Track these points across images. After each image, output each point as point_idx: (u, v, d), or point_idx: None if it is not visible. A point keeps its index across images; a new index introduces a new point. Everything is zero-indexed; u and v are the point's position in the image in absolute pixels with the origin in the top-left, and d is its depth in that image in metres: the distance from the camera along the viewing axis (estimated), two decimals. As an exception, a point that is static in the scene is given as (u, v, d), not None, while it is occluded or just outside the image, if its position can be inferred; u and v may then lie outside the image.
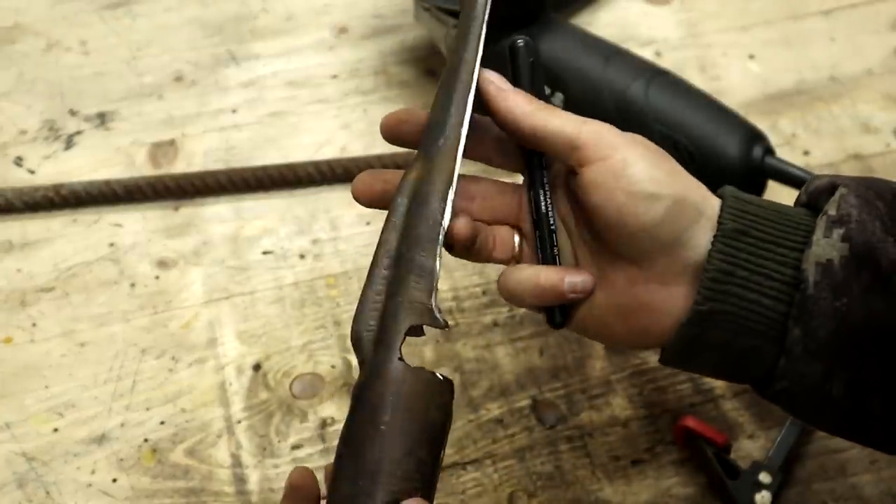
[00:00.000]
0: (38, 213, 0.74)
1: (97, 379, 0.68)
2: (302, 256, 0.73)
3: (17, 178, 0.76)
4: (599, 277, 0.53)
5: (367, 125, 0.80)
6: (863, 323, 0.48)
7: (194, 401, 0.67)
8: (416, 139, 0.54)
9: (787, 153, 0.78)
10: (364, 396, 0.49)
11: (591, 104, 0.73)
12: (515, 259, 0.55)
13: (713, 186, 0.72)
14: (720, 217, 0.51)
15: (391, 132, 0.55)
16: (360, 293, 0.71)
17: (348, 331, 0.70)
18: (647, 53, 0.82)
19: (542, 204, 0.54)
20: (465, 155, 0.53)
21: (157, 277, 0.72)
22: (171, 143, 0.79)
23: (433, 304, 0.50)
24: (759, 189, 0.72)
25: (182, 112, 0.81)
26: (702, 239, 0.50)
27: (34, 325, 0.70)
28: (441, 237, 0.51)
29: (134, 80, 0.82)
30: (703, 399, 0.68)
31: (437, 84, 0.55)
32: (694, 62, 0.84)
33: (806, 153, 0.79)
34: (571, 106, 0.74)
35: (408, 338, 0.70)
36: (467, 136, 0.52)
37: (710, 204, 0.51)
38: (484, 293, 0.72)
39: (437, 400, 0.49)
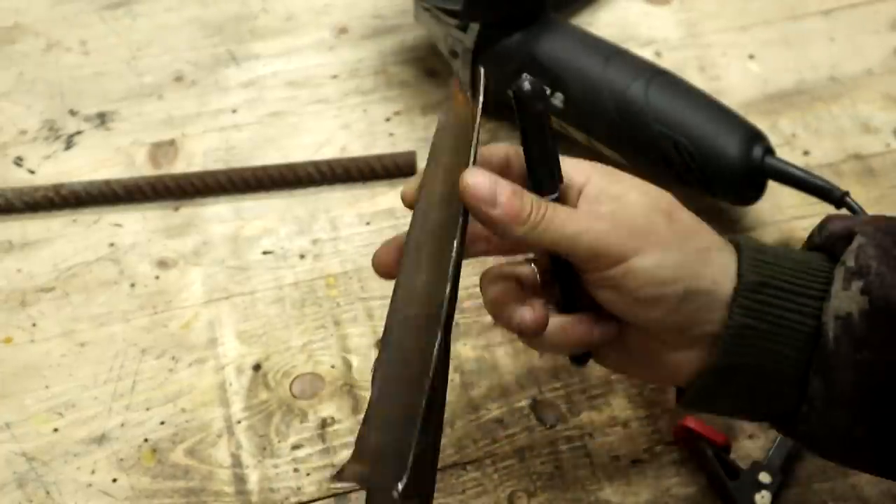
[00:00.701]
0: (38, 213, 0.74)
1: (97, 379, 0.68)
2: (302, 256, 0.73)
3: (17, 178, 0.76)
4: (620, 337, 0.53)
5: (367, 125, 0.80)
6: (884, 374, 0.48)
7: (194, 401, 0.67)
8: None
9: (787, 153, 0.78)
10: None
11: (591, 104, 0.74)
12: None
13: (713, 186, 0.72)
14: (739, 269, 0.51)
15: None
16: (360, 293, 0.71)
17: (348, 331, 0.70)
18: (647, 53, 0.82)
19: (563, 265, 0.53)
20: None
21: (157, 277, 0.72)
22: (171, 143, 0.79)
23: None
24: (759, 189, 0.73)
25: (182, 112, 0.81)
26: (714, 315, 0.50)
27: (34, 325, 0.70)
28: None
29: (134, 80, 0.82)
30: (703, 399, 0.68)
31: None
32: (694, 62, 0.84)
33: (806, 153, 0.79)
34: (571, 106, 0.74)
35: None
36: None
37: (725, 272, 0.51)
38: (484, 293, 0.72)
39: None
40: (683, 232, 0.51)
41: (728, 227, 0.75)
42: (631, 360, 0.55)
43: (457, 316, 0.70)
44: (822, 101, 0.82)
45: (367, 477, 0.46)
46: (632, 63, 0.74)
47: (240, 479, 0.64)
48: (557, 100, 0.74)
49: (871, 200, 0.76)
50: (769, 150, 0.72)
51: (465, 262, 0.73)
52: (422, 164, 0.65)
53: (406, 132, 0.80)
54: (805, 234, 0.74)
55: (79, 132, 0.79)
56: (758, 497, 0.62)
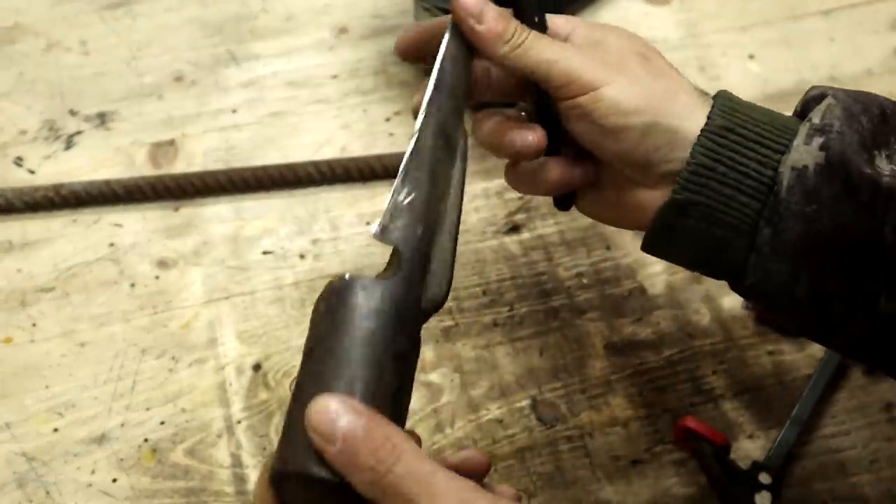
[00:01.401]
0: (38, 213, 0.74)
1: (97, 379, 0.68)
2: (302, 256, 0.73)
3: (17, 178, 0.76)
4: (597, 178, 0.56)
5: (367, 125, 0.80)
6: (829, 230, 0.50)
7: (194, 401, 0.67)
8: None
9: (786, 153, 0.78)
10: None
11: (591, 104, 0.73)
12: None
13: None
14: (710, 113, 0.52)
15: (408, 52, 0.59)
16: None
17: (348, 331, 0.70)
18: (646, 53, 0.82)
19: (546, 105, 0.55)
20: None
21: (157, 277, 0.72)
22: (171, 143, 0.79)
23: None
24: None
25: (182, 112, 0.81)
26: (678, 153, 0.52)
27: (34, 325, 0.70)
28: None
29: (134, 80, 0.82)
30: (703, 399, 0.68)
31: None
32: (694, 62, 0.84)
33: (806, 153, 0.79)
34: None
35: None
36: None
37: (695, 113, 0.53)
38: (484, 293, 0.72)
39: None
40: (656, 72, 0.54)
41: (728, 227, 0.75)
42: (605, 204, 0.57)
43: (457, 316, 0.70)
44: (821, 101, 0.82)
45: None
46: (632, 63, 0.74)
47: (240, 479, 0.64)
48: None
49: (871, 200, 0.76)
50: (769, 150, 0.71)
51: (464, 263, 0.73)
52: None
53: (406, 132, 0.80)
54: (805, 234, 0.74)
55: (79, 132, 0.79)
56: (758, 497, 0.62)
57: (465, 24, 0.53)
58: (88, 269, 0.72)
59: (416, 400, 0.67)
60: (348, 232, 0.75)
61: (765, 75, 0.84)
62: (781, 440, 0.64)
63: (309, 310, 0.71)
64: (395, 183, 0.51)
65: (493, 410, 0.67)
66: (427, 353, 0.69)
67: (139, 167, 0.77)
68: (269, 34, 0.86)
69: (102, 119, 0.80)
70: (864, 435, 0.66)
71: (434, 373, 0.68)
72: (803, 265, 0.50)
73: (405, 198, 0.50)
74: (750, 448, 0.65)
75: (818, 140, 0.50)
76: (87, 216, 0.75)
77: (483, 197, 0.76)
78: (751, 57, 0.85)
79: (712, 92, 0.75)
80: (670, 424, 0.66)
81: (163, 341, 0.69)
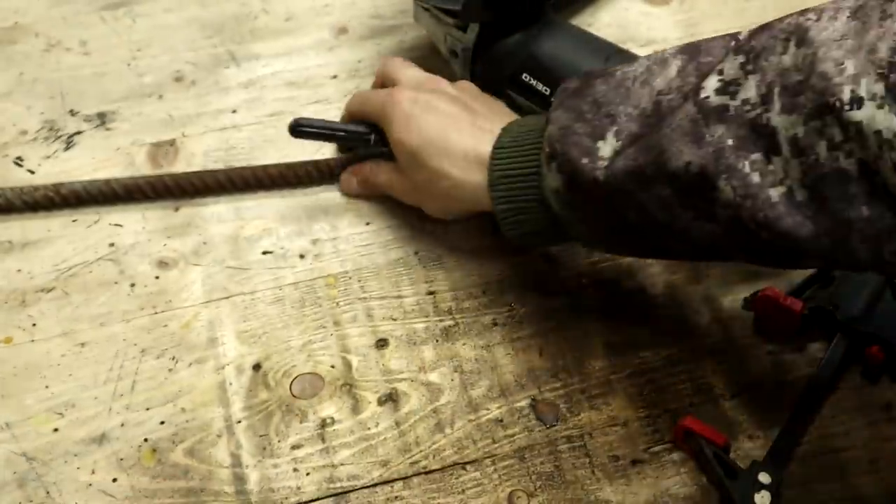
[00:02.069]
0: (38, 213, 0.74)
1: (97, 379, 0.68)
2: (302, 256, 0.74)
3: (17, 178, 0.76)
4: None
5: (367, 125, 0.80)
6: (597, 227, 0.62)
7: (194, 401, 0.67)
8: None
9: (786, 153, 0.78)
10: None
11: (591, 104, 0.73)
12: None
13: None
14: (489, 168, 0.66)
15: None
16: (360, 292, 0.72)
17: (348, 331, 0.70)
18: (646, 53, 0.82)
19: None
20: None
21: (157, 277, 0.72)
22: (171, 143, 0.79)
23: None
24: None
25: (182, 112, 0.81)
26: (482, 196, 0.67)
27: (34, 325, 0.70)
28: None
29: (134, 80, 0.83)
30: (703, 399, 0.68)
31: None
32: (694, 62, 0.84)
33: (806, 153, 0.79)
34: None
35: (407, 339, 0.70)
36: None
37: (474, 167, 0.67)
38: (484, 293, 0.72)
39: None
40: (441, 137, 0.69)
41: (728, 227, 0.75)
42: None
43: (457, 316, 0.71)
44: (821, 102, 0.82)
45: None
46: (631, 63, 0.74)
47: (240, 479, 0.64)
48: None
49: (871, 200, 0.76)
50: (769, 150, 0.71)
51: (464, 263, 0.73)
52: (422, 164, 0.66)
53: (406, 132, 0.80)
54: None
55: (79, 132, 0.79)
56: (758, 497, 0.62)
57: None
58: (88, 269, 0.72)
59: (416, 400, 0.67)
60: (348, 232, 0.75)
61: (765, 75, 0.84)
62: (781, 440, 0.64)
63: (309, 310, 0.71)
64: None
65: (493, 410, 0.67)
66: (427, 353, 0.69)
67: (139, 167, 0.77)
68: (269, 34, 0.86)
69: (102, 119, 0.80)
70: (864, 435, 0.66)
71: (434, 373, 0.68)
72: (606, 244, 0.64)
73: None
74: (750, 448, 0.65)
75: (553, 164, 0.61)
76: (87, 216, 0.75)
77: (483, 197, 0.76)
78: (751, 57, 0.85)
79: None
80: (670, 424, 0.66)
81: (163, 341, 0.69)
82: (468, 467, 0.65)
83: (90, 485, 0.64)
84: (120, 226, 0.74)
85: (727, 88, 0.54)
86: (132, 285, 0.72)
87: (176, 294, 0.71)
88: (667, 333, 0.70)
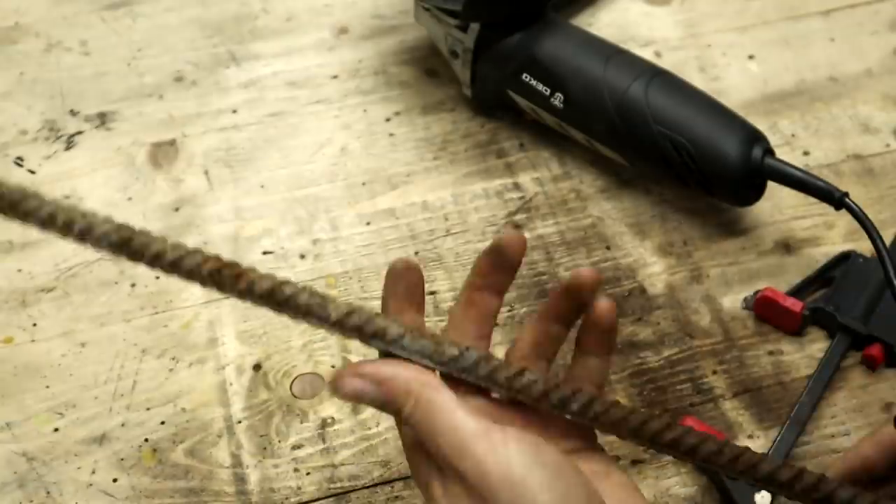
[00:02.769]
0: (38, 213, 0.74)
1: (97, 379, 0.68)
2: (302, 256, 0.74)
3: (18, 179, 0.76)
4: None
5: (367, 125, 0.80)
6: None
7: (194, 401, 0.67)
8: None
9: (786, 153, 0.78)
10: None
11: (591, 104, 0.74)
12: None
13: (713, 187, 0.72)
14: None
15: None
16: (360, 293, 0.71)
17: (348, 331, 0.70)
18: (647, 53, 0.82)
19: None
20: None
21: (157, 277, 0.72)
22: (172, 143, 0.79)
23: None
24: (759, 190, 0.73)
25: (182, 112, 0.81)
26: None
27: (34, 325, 0.70)
28: None
29: (134, 80, 0.83)
30: (703, 399, 0.68)
31: None
32: (694, 62, 0.84)
33: (806, 153, 0.79)
34: (571, 106, 0.74)
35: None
36: None
37: None
38: (484, 293, 0.72)
39: None
40: None
41: (728, 227, 0.75)
42: None
43: (457, 316, 0.70)
44: (821, 102, 0.82)
45: None
46: (632, 63, 0.74)
47: (240, 479, 0.64)
48: (557, 100, 0.75)
49: (871, 201, 0.76)
50: (769, 151, 0.72)
51: (464, 263, 0.73)
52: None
53: (406, 132, 0.80)
54: (805, 235, 0.75)
55: (79, 132, 0.79)
56: (758, 497, 0.62)
57: None
58: (88, 269, 0.72)
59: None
60: (348, 232, 0.75)
61: (764, 75, 0.84)
62: (781, 440, 0.64)
63: (309, 310, 0.71)
64: None
65: (494, 410, 0.67)
66: (427, 353, 0.69)
67: (139, 167, 0.77)
68: (269, 34, 0.86)
69: (102, 119, 0.80)
70: (864, 435, 0.66)
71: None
72: None
73: None
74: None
75: None
76: (87, 216, 0.75)
77: (483, 197, 0.77)
78: (751, 57, 0.85)
79: (713, 92, 0.76)
80: (670, 424, 0.66)
81: (163, 341, 0.69)
82: (468, 467, 0.65)
83: (90, 485, 0.64)
84: (120, 226, 0.74)
85: None
86: (132, 285, 0.72)
87: (176, 294, 0.71)
88: (667, 333, 0.70)
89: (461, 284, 0.72)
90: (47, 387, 0.67)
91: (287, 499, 0.63)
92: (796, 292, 0.70)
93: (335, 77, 0.83)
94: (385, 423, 0.66)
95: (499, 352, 0.69)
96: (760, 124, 0.74)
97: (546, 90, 0.75)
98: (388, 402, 0.49)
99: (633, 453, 0.65)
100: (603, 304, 0.52)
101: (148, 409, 0.67)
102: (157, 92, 0.82)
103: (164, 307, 0.71)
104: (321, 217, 0.76)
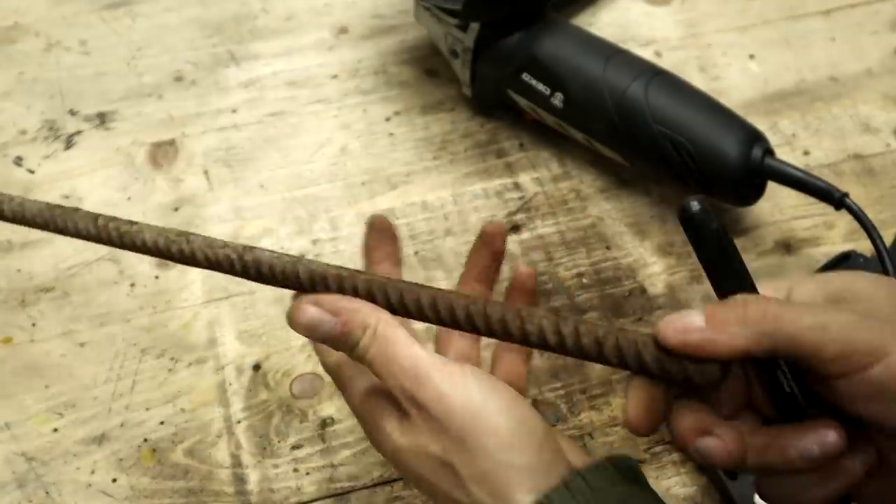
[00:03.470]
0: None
1: (97, 379, 0.68)
2: (302, 256, 0.73)
3: (17, 178, 0.76)
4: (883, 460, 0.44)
5: (367, 125, 0.80)
6: None
7: (194, 401, 0.67)
8: None
9: (786, 153, 0.78)
10: None
11: (591, 104, 0.74)
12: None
13: (713, 187, 0.72)
14: None
15: None
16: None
17: (348, 331, 0.70)
18: (647, 53, 0.82)
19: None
20: None
21: (156, 277, 0.72)
22: (171, 143, 0.79)
23: None
24: (759, 190, 0.72)
25: (182, 112, 0.81)
26: None
27: (34, 325, 0.70)
28: None
29: (134, 80, 0.83)
30: (702, 399, 0.67)
31: None
32: (694, 62, 0.84)
33: (806, 153, 0.79)
34: (571, 106, 0.74)
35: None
36: None
37: None
38: (484, 293, 0.72)
39: None
40: None
41: (728, 227, 0.75)
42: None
43: (457, 316, 0.70)
44: (822, 102, 0.82)
45: None
46: (632, 63, 0.74)
47: (240, 479, 0.64)
48: (557, 100, 0.75)
49: (871, 200, 0.76)
50: (769, 151, 0.71)
51: (464, 263, 0.73)
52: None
53: (406, 132, 0.80)
54: (805, 235, 0.75)
55: (79, 132, 0.79)
56: (757, 497, 0.62)
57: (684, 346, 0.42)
58: (88, 269, 0.72)
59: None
60: (348, 232, 0.75)
61: (765, 75, 0.84)
62: (781, 440, 0.64)
63: (309, 310, 0.71)
64: None
65: (493, 410, 0.67)
66: (427, 353, 0.69)
67: (139, 167, 0.77)
68: (269, 34, 0.86)
69: (102, 119, 0.80)
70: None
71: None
72: None
73: None
74: (750, 448, 0.65)
75: None
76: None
77: (483, 197, 0.76)
78: (751, 57, 0.85)
79: (713, 92, 0.76)
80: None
81: (163, 341, 0.69)
82: (468, 467, 0.65)
83: (90, 485, 0.64)
84: (120, 226, 0.74)
85: None
86: (132, 285, 0.72)
87: (176, 294, 0.71)
88: (667, 333, 0.70)
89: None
90: (47, 387, 0.67)
91: (287, 499, 0.63)
92: (796, 292, 0.70)
93: (335, 77, 0.83)
94: (385, 423, 0.66)
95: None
96: (760, 124, 0.74)
97: (546, 90, 0.75)
98: (344, 334, 0.48)
99: (634, 453, 0.65)
100: (523, 270, 0.58)
101: (147, 409, 0.66)
102: (157, 92, 0.82)
103: (164, 307, 0.71)
104: (321, 217, 0.76)
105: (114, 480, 0.64)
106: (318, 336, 0.49)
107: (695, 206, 0.44)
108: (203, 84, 0.82)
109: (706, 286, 0.72)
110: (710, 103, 0.73)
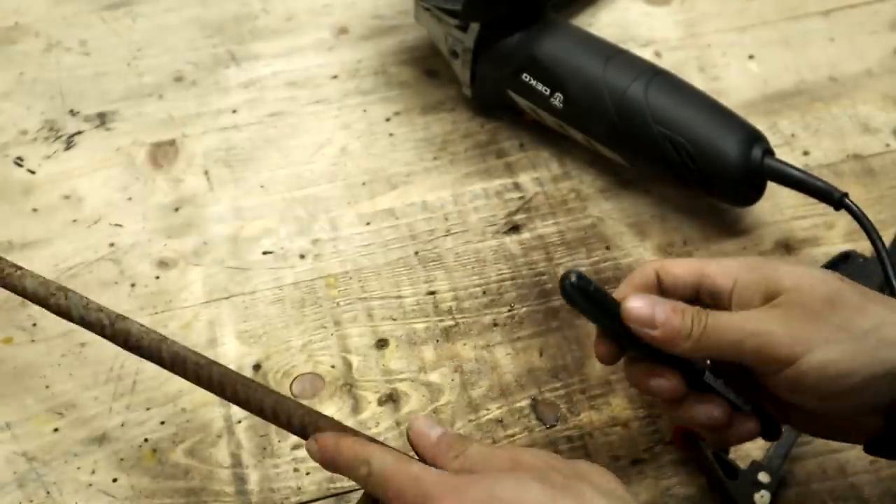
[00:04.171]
0: (38, 213, 0.75)
1: (97, 379, 0.68)
2: (302, 256, 0.74)
3: (17, 179, 0.76)
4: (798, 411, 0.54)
5: (367, 125, 0.80)
6: None
7: (194, 401, 0.67)
8: None
9: (786, 153, 0.78)
10: None
11: (591, 104, 0.74)
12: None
13: (713, 187, 0.72)
14: None
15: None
16: (360, 292, 0.72)
17: (348, 331, 0.70)
18: (647, 53, 0.82)
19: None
20: None
21: (157, 277, 0.72)
22: (171, 143, 0.79)
23: None
24: (759, 190, 0.73)
25: (182, 112, 0.81)
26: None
27: (34, 325, 0.70)
28: None
29: (134, 80, 0.83)
30: (702, 399, 0.67)
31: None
32: (694, 62, 0.84)
33: (805, 153, 0.79)
34: (571, 106, 0.74)
35: (407, 339, 0.70)
36: None
37: None
38: (484, 293, 0.72)
39: None
40: (852, 311, 0.50)
41: (728, 227, 0.75)
42: (812, 425, 0.56)
43: (457, 316, 0.71)
44: (821, 102, 0.82)
45: None
46: (632, 63, 0.74)
47: (240, 479, 0.64)
48: (557, 100, 0.75)
49: (871, 201, 0.76)
50: (768, 151, 0.72)
51: (464, 263, 0.73)
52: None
53: (406, 132, 0.80)
54: (805, 235, 0.75)
55: (79, 132, 0.79)
56: (757, 497, 0.62)
57: (641, 333, 0.51)
58: (88, 270, 0.72)
59: (417, 400, 0.67)
60: (348, 232, 0.75)
61: (764, 75, 0.84)
62: (781, 440, 0.64)
63: (309, 310, 0.71)
64: None
65: (493, 410, 0.67)
66: (427, 353, 0.69)
67: (139, 167, 0.77)
68: (269, 34, 0.86)
69: (102, 119, 0.80)
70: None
71: (434, 373, 0.68)
72: None
73: None
74: (749, 448, 0.65)
75: None
76: (87, 216, 0.75)
77: (483, 197, 0.77)
78: (751, 57, 0.85)
79: (713, 92, 0.76)
80: (670, 424, 0.66)
81: (163, 341, 0.69)
82: (468, 467, 0.65)
83: (90, 485, 0.64)
84: (120, 226, 0.74)
85: None
86: (132, 285, 0.72)
87: (176, 294, 0.71)
88: (667, 333, 0.70)
89: (461, 284, 0.72)
90: (47, 387, 0.67)
91: (287, 499, 0.63)
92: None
93: (335, 77, 0.83)
94: (385, 423, 0.66)
95: (499, 351, 0.69)
96: (760, 124, 0.74)
97: (546, 90, 0.75)
98: (347, 469, 0.52)
99: (634, 453, 0.65)
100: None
101: (148, 409, 0.67)
102: (157, 92, 0.82)
103: (164, 307, 0.71)
104: (321, 217, 0.76)
105: (114, 480, 0.64)
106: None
107: (572, 279, 0.50)
108: (203, 84, 0.82)
109: (706, 286, 0.72)
110: (709, 103, 0.73)
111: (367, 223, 0.75)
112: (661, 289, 0.55)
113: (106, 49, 0.84)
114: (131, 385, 0.67)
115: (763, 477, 0.62)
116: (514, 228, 0.75)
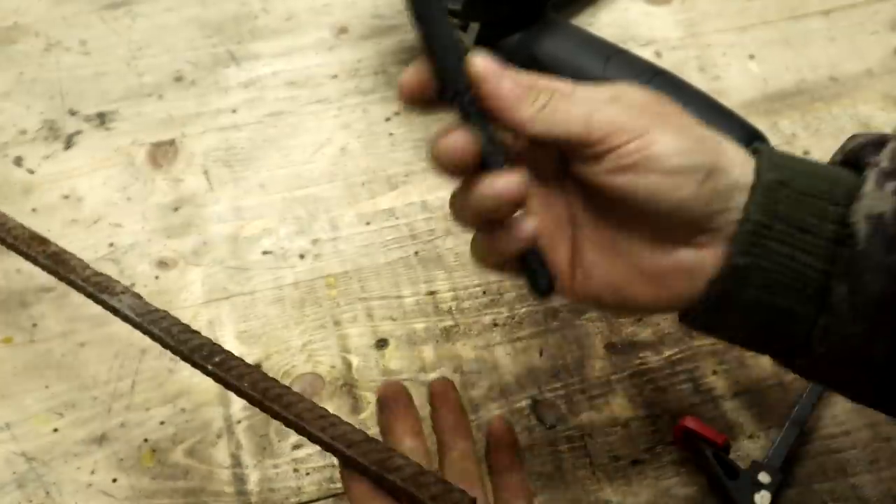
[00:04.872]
0: (38, 213, 0.74)
1: (97, 379, 0.68)
2: (302, 256, 0.73)
3: (17, 178, 0.76)
4: (615, 245, 0.49)
5: (367, 125, 0.80)
6: None
7: (194, 401, 0.67)
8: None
9: (786, 153, 0.78)
10: None
11: (591, 104, 0.73)
12: None
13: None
14: (758, 168, 0.47)
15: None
16: (360, 292, 0.72)
17: (348, 331, 0.70)
18: (647, 53, 0.82)
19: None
20: None
21: (156, 277, 0.72)
22: (171, 143, 0.79)
23: None
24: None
25: (182, 112, 0.81)
26: (734, 203, 0.47)
27: (34, 325, 0.70)
28: None
29: (134, 80, 0.83)
30: (702, 399, 0.68)
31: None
32: (694, 62, 0.84)
33: (806, 153, 0.79)
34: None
35: (407, 339, 0.70)
36: None
37: (744, 164, 0.48)
38: (484, 293, 0.72)
39: None
40: (689, 123, 0.48)
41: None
42: (633, 280, 0.49)
43: (457, 316, 0.70)
44: (822, 101, 0.82)
45: None
46: (632, 63, 0.74)
47: (240, 480, 0.64)
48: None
49: (871, 200, 0.76)
50: (769, 151, 0.71)
51: (464, 263, 0.73)
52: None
53: (406, 132, 0.80)
54: (805, 235, 0.74)
55: (79, 132, 0.79)
56: (757, 497, 0.62)
57: (483, 87, 0.47)
58: (88, 269, 0.72)
59: (417, 400, 0.67)
60: (348, 232, 0.75)
61: (765, 75, 0.84)
62: (781, 440, 0.64)
63: (309, 310, 0.71)
64: None
65: (493, 410, 0.67)
66: (427, 353, 0.69)
67: (138, 167, 0.77)
68: (269, 34, 0.86)
69: (102, 119, 0.80)
70: (864, 435, 0.66)
71: (434, 373, 0.68)
72: (883, 323, 0.45)
73: None
74: (750, 448, 0.65)
75: (892, 184, 0.46)
76: (87, 216, 0.75)
77: (483, 197, 0.76)
78: (751, 57, 0.85)
79: (713, 92, 0.76)
80: (670, 424, 0.66)
81: (163, 341, 0.69)
82: (468, 467, 0.65)
83: (90, 485, 0.64)
84: (120, 226, 0.74)
85: None
86: (132, 285, 0.72)
87: (176, 294, 0.71)
88: (667, 333, 0.70)
89: (461, 284, 0.72)
90: (47, 387, 0.67)
91: (287, 499, 0.63)
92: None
93: (335, 77, 0.83)
94: (385, 423, 0.66)
95: (499, 351, 0.69)
96: (760, 124, 0.74)
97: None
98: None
99: (634, 453, 0.65)
100: (497, 424, 0.57)
101: (147, 409, 0.66)
102: (157, 92, 0.82)
103: (164, 307, 0.70)
104: (321, 217, 0.76)
105: (114, 480, 0.64)
106: None
107: None
108: (203, 84, 0.82)
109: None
110: (710, 103, 0.73)
111: (367, 223, 0.75)
112: None
113: (106, 49, 0.84)
114: (131, 385, 0.67)
115: (763, 477, 0.62)
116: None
